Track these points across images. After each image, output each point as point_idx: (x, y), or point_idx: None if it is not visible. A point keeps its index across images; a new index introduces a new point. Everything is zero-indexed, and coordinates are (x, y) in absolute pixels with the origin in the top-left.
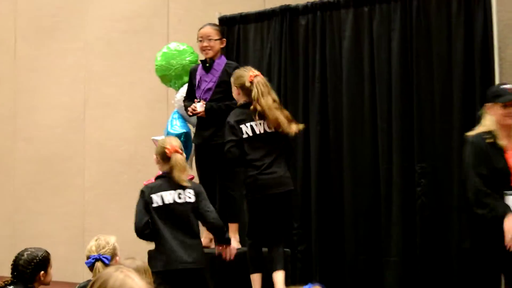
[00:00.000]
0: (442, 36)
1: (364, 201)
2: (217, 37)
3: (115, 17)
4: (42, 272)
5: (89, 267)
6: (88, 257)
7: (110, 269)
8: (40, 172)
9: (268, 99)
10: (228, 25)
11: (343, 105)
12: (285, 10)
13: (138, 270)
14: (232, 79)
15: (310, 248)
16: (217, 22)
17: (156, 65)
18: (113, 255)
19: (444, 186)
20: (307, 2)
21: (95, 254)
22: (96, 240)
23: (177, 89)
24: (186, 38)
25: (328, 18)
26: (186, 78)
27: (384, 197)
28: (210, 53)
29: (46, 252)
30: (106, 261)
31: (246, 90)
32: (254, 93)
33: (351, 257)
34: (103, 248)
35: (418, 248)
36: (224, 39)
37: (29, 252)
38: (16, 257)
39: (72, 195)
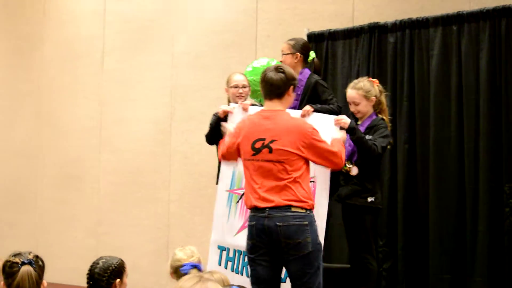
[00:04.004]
0: None
1: (450, 220)
2: (288, 52)
3: (203, 31)
4: (118, 280)
5: (184, 274)
6: (177, 267)
7: (192, 280)
8: (125, 184)
9: None
10: (317, 41)
11: (430, 123)
12: (373, 28)
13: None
14: (361, 92)
15: (396, 266)
16: (305, 38)
17: None
18: (200, 263)
19: None
20: (396, 20)
21: (187, 262)
22: (182, 249)
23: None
24: (275, 53)
25: (416, 36)
26: None
27: (471, 217)
28: None
29: (121, 260)
30: (201, 268)
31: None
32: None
33: (436, 276)
34: (192, 256)
35: (506, 270)
36: (298, 53)
37: (104, 260)
38: (91, 266)
39: (157, 207)
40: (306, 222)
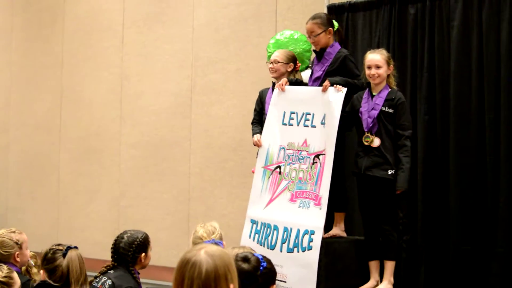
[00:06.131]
0: None
1: (470, 191)
2: (320, 31)
3: (223, 4)
4: (143, 254)
5: None
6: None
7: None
8: (145, 157)
9: None
10: (337, 13)
11: (451, 94)
12: None
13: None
14: (384, 57)
15: (416, 238)
16: (325, 10)
17: (269, 52)
18: (221, 239)
19: None
20: None
21: (208, 239)
22: (203, 226)
23: None
24: (295, 25)
25: (437, 7)
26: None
27: (491, 188)
28: (318, 47)
29: (146, 234)
30: (222, 246)
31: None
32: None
33: (456, 248)
34: (213, 233)
35: None
36: (330, 28)
37: (128, 234)
38: (116, 240)
39: (178, 181)
40: None
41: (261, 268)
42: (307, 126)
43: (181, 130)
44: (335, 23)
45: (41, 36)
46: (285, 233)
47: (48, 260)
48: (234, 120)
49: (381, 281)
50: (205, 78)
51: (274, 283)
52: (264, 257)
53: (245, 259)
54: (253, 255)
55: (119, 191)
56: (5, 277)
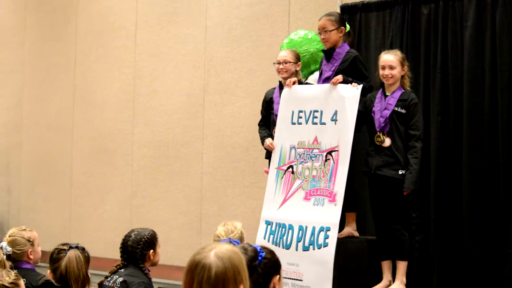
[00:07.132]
0: None
1: (482, 192)
2: (332, 28)
3: (235, 4)
4: (152, 251)
5: None
6: (216, 241)
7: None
8: (158, 157)
9: None
10: (350, 13)
11: (464, 95)
12: None
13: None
14: (398, 58)
15: (428, 238)
16: (338, 10)
17: None
18: (241, 239)
19: None
20: None
21: (225, 238)
22: (224, 225)
23: (304, 77)
24: (307, 25)
25: (450, 7)
26: (313, 67)
27: (503, 188)
28: (328, 44)
29: (153, 231)
30: (237, 245)
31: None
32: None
33: (468, 248)
34: (232, 232)
35: None
36: (343, 27)
37: (136, 232)
38: (124, 239)
39: (190, 180)
40: None
41: (259, 258)
42: (315, 123)
43: (194, 130)
44: (347, 26)
45: (54, 36)
46: (300, 231)
47: (54, 260)
48: (246, 120)
49: (393, 281)
50: (218, 78)
51: (277, 273)
52: (264, 247)
53: (243, 250)
54: (251, 245)
55: (131, 191)
56: (11, 283)
